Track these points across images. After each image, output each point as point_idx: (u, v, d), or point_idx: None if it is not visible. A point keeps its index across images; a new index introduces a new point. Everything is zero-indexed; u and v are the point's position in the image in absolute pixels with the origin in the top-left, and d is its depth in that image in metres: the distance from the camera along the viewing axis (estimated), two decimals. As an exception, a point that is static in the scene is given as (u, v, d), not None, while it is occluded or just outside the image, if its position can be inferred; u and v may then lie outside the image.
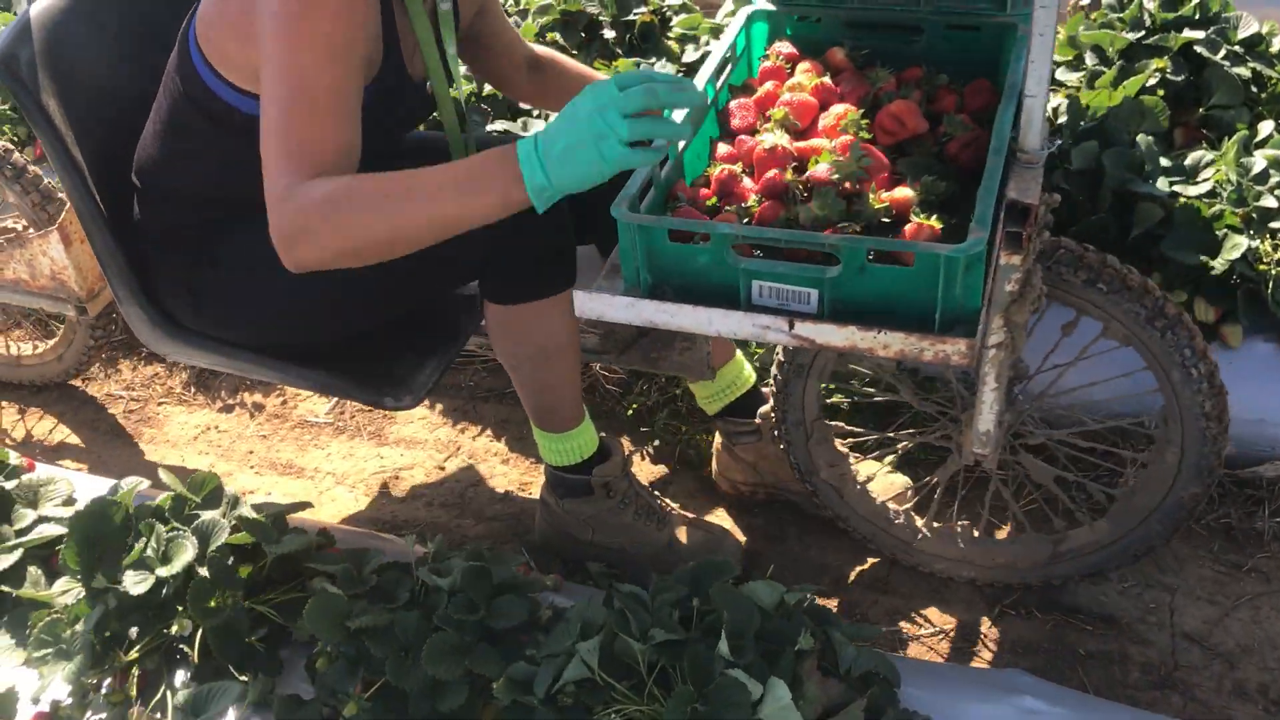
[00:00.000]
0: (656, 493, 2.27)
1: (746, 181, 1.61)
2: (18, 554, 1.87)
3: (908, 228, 1.49)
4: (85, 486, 2.07)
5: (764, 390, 2.26)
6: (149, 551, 1.74)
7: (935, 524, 2.10)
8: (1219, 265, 2.14)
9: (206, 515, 1.81)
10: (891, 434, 2.15)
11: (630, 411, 2.58)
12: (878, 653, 1.64)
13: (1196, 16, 2.56)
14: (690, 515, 2.24)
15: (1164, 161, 2.26)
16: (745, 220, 1.55)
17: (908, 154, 1.68)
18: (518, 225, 1.66)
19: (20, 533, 1.93)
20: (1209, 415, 1.78)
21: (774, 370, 2.03)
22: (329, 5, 1.56)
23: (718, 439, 2.33)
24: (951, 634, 2.07)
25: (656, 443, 2.51)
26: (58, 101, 1.92)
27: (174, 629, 1.71)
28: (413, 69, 1.79)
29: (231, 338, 1.97)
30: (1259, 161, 2.26)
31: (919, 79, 1.78)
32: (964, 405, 1.92)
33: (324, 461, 2.56)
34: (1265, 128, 2.40)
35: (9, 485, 1.99)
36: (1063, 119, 2.38)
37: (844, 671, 1.62)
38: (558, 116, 1.42)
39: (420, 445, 2.58)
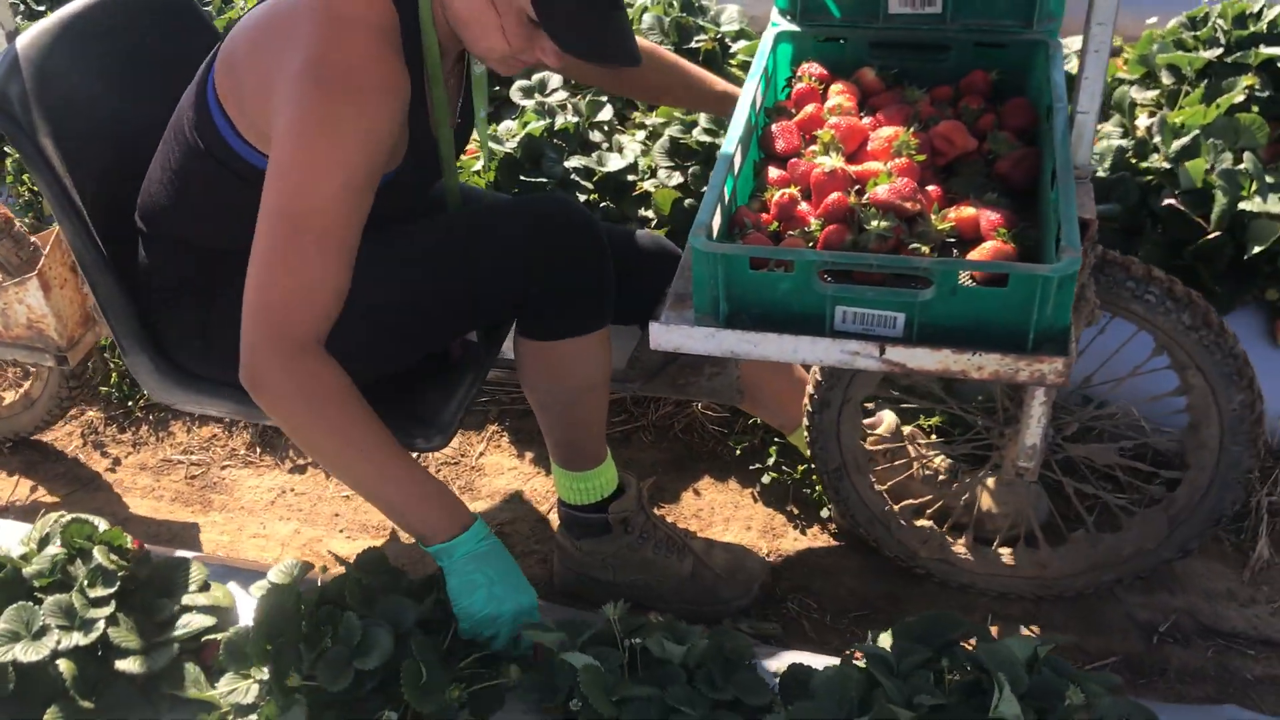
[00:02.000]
0: (672, 520, 2.27)
1: (802, 205, 1.64)
2: (173, 650, 1.78)
3: (987, 247, 1.52)
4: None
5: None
6: (339, 643, 1.65)
7: (1053, 550, 2.13)
8: None
9: (388, 596, 1.74)
10: (935, 452, 2.17)
11: (739, 452, 2.58)
12: (1132, 701, 1.57)
13: (1270, 33, 2.61)
14: (706, 539, 2.24)
15: (1268, 178, 2.29)
16: (810, 245, 1.58)
17: (955, 174, 1.71)
18: (558, 260, 1.71)
19: (163, 625, 1.81)
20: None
21: (806, 424, 2.05)
22: (355, 130, 1.56)
23: None
24: (1117, 665, 2.08)
25: (765, 480, 2.51)
26: (52, 141, 1.87)
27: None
28: (434, 123, 1.79)
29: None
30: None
31: (949, 98, 1.82)
32: (1007, 420, 1.93)
33: None
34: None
35: (142, 573, 1.90)
36: (1157, 138, 2.41)
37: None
38: (495, 580, 1.70)
39: (518, 498, 2.56)
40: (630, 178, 2.66)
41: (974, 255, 1.52)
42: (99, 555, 1.86)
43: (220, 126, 1.72)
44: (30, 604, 1.80)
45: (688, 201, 2.57)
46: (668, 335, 1.52)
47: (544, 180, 2.61)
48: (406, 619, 1.68)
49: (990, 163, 1.71)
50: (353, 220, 1.59)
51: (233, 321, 1.70)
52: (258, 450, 2.78)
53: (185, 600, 1.85)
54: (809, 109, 1.78)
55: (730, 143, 1.62)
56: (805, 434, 2.08)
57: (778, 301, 1.49)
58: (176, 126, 1.82)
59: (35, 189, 3.22)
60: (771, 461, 2.48)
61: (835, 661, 1.65)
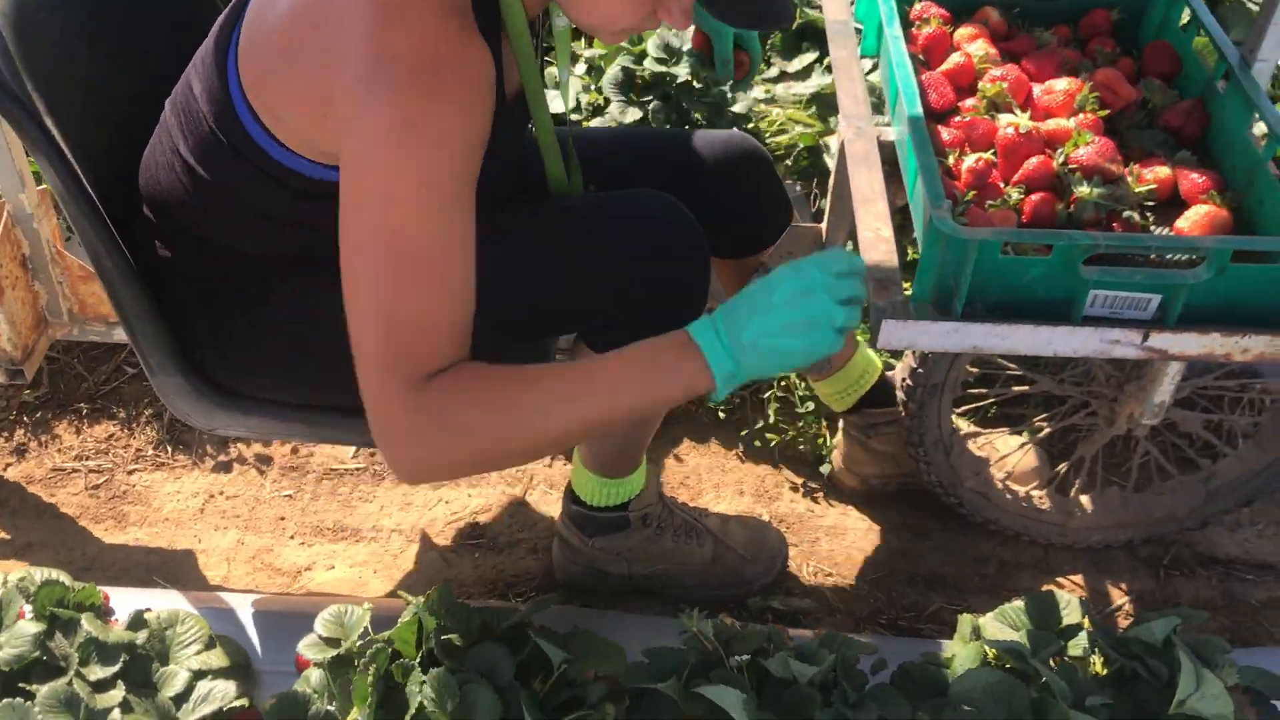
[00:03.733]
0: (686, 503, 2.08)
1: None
2: None
3: (1201, 213, 1.38)
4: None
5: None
6: (429, 705, 1.34)
7: (1084, 497, 2.03)
8: None
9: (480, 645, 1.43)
10: (1035, 424, 2.06)
11: (722, 415, 2.35)
12: (1256, 668, 1.46)
13: None
14: (720, 514, 2.06)
15: None
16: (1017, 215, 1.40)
17: (1113, 127, 1.54)
18: (663, 292, 1.46)
19: (178, 699, 1.49)
20: None
21: (901, 394, 1.89)
22: (441, 134, 1.20)
23: (843, 435, 2.15)
24: (1134, 604, 2.02)
25: (757, 443, 2.29)
26: (51, 119, 1.44)
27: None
28: (509, 86, 1.43)
29: (295, 400, 1.61)
30: None
31: (1068, 39, 1.66)
32: (1118, 382, 1.82)
33: (380, 517, 2.18)
34: None
35: (139, 638, 1.54)
36: None
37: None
38: (741, 296, 1.23)
39: (485, 481, 2.24)
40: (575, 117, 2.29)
41: (1186, 222, 1.38)
42: (88, 625, 1.53)
43: (251, 130, 1.37)
44: (19, 700, 1.45)
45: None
46: (902, 333, 1.32)
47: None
48: (504, 671, 1.39)
49: (1149, 114, 1.55)
50: (456, 235, 1.24)
51: (258, 331, 1.48)
52: (168, 448, 2.29)
53: (194, 664, 1.54)
54: (956, 58, 1.54)
55: (913, 101, 1.35)
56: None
57: (1024, 288, 1.31)
58: (186, 110, 1.44)
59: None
60: (772, 421, 2.30)
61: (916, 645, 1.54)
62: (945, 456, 1.90)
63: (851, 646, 1.45)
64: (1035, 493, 2.02)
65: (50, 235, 1.88)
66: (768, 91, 2.44)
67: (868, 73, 2.06)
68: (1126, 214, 1.37)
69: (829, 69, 2.45)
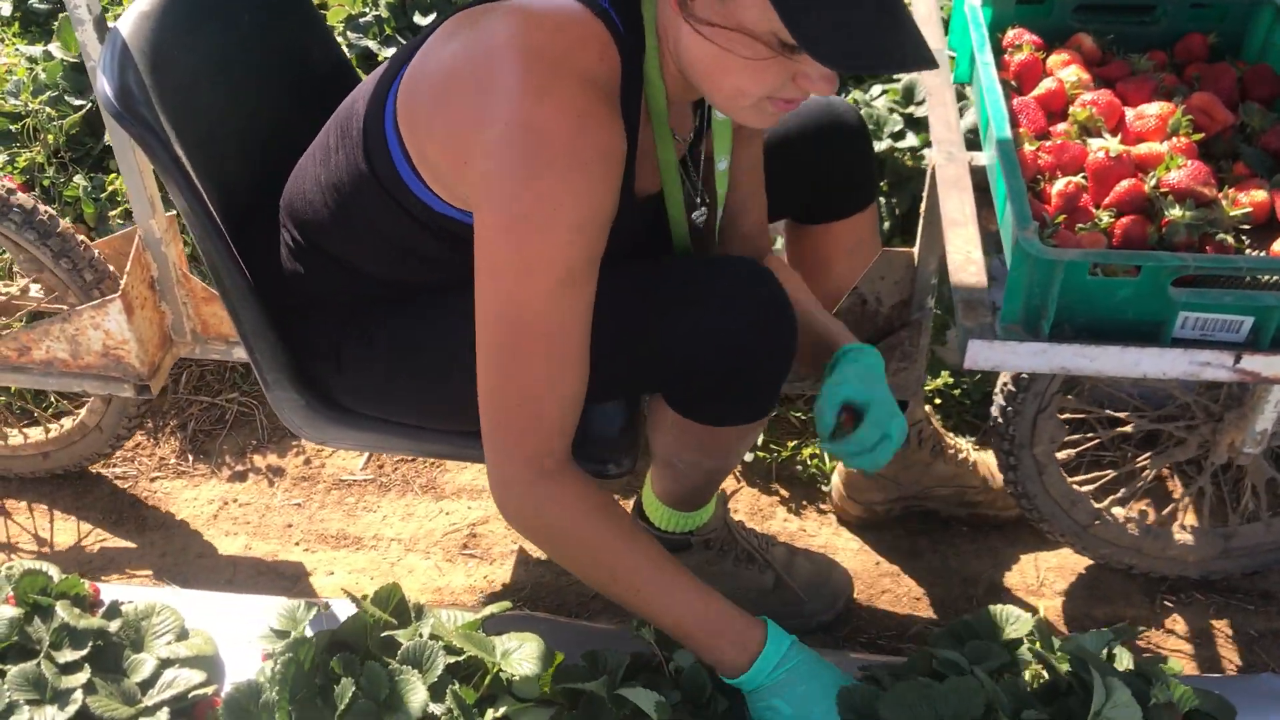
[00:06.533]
0: (754, 528, 1.92)
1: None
2: (163, 717, 1.41)
3: None
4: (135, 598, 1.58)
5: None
6: (363, 696, 1.30)
7: (1115, 510, 1.85)
8: None
9: (403, 636, 1.38)
10: (1120, 415, 1.88)
11: None
12: (1205, 690, 1.37)
13: None
14: (789, 545, 1.90)
15: None
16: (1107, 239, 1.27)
17: (1209, 150, 1.40)
18: (749, 358, 1.35)
19: (145, 684, 1.44)
20: None
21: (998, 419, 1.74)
22: (574, 212, 1.18)
23: (841, 463, 1.99)
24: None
25: (749, 458, 2.12)
26: (181, 148, 1.39)
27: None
28: (641, 184, 1.36)
29: (407, 420, 1.54)
30: None
31: (1164, 64, 1.53)
32: (1215, 414, 1.68)
33: (382, 526, 2.05)
34: None
35: (112, 626, 1.48)
36: None
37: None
38: (821, 667, 1.33)
39: (486, 494, 2.10)
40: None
41: None
42: (62, 612, 1.49)
43: (398, 163, 1.30)
44: (-6, 679, 1.40)
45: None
46: (989, 353, 1.23)
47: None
48: (436, 665, 1.36)
49: (1248, 138, 1.43)
50: (579, 312, 1.24)
51: (373, 352, 1.45)
52: (189, 458, 2.20)
53: (164, 652, 1.50)
54: (1048, 83, 1.42)
55: (1002, 126, 1.25)
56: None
57: (1112, 309, 1.20)
58: (344, 131, 1.39)
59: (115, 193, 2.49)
60: (760, 441, 2.14)
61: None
62: (1035, 415, 1.73)
63: None
64: (1076, 487, 1.84)
65: (177, 258, 1.89)
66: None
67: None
68: (1220, 237, 1.25)
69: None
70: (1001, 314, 1.22)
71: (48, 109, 2.52)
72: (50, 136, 2.50)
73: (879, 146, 2.20)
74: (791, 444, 2.12)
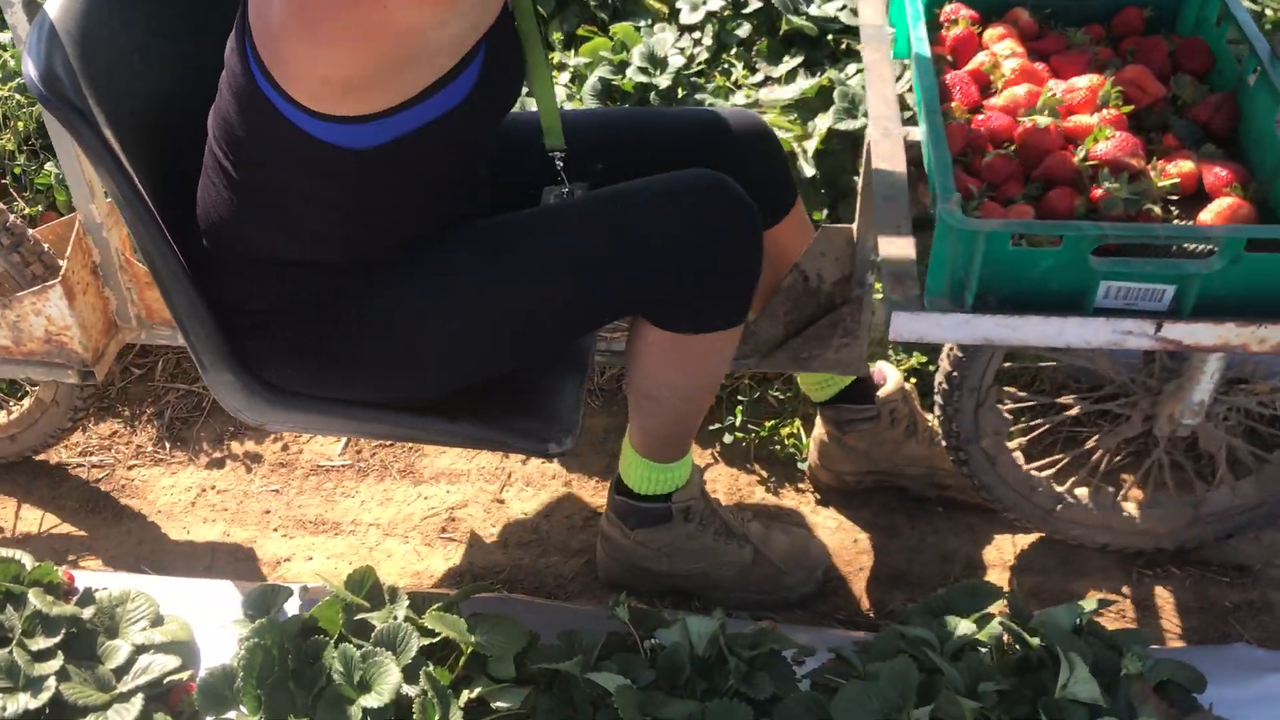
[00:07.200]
0: (728, 505, 1.93)
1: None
2: (139, 702, 1.42)
3: (1223, 205, 1.26)
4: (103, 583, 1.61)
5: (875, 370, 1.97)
6: (336, 678, 1.31)
7: (1079, 491, 1.87)
8: None
9: (378, 619, 1.39)
10: (1063, 400, 1.90)
11: None
12: (1176, 661, 1.40)
13: None
14: (763, 520, 1.91)
15: None
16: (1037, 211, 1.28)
17: (1141, 123, 1.41)
18: (717, 251, 1.41)
19: (119, 670, 1.46)
20: None
21: (939, 399, 1.76)
22: None
23: (820, 430, 2.02)
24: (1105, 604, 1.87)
25: (727, 439, 2.14)
26: (111, 130, 1.36)
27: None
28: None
29: (346, 396, 1.53)
30: None
31: (1101, 38, 1.53)
32: (1153, 389, 1.69)
33: (360, 511, 2.07)
34: None
35: (86, 614, 1.50)
36: None
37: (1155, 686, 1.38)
38: None
39: (464, 478, 2.12)
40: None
41: (1209, 214, 1.27)
42: (35, 599, 1.51)
43: (274, 99, 1.27)
44: (-40, 668, 1.44)
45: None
46: (913, 325, 1.23)
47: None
48: (410, 647, 1.37)
49: (1179, 110, 1.43)
50: None
51: (324, 339, 1.44)
52: (167, 445, 2.21)
53: (138, 638, 1.52)
54: (981, 58, 1.43)
55: (930, 97, 1.29)
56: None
57: (1034, 280, 1.20)
58: (223, 123, 1.37)
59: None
60: (738, 421, 2.15)
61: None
62: (975, 409, 1.74)
63: (779, 640, 1.44)
64: (1034, 473, 1.87)
65: (119, 244, 1.87)
66: (749, 96, 2.29)
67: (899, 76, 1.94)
68: (1148, 208, 1.26)
69: (813, 73, 2.30)
70: (927, 286, 1.23)
71: (18, 95, 2.51)
72: (20, 124, 2.49)
73: (860, 124, 2.21)
74: (769, 423, 2.14)
